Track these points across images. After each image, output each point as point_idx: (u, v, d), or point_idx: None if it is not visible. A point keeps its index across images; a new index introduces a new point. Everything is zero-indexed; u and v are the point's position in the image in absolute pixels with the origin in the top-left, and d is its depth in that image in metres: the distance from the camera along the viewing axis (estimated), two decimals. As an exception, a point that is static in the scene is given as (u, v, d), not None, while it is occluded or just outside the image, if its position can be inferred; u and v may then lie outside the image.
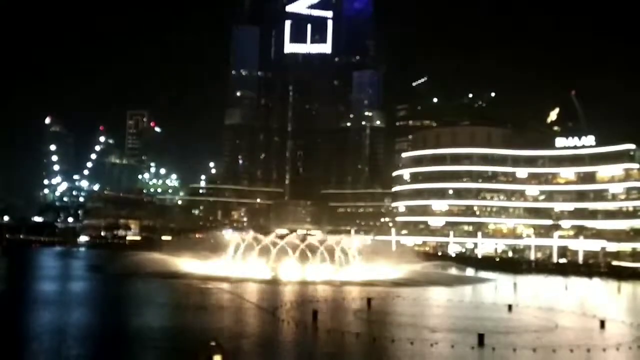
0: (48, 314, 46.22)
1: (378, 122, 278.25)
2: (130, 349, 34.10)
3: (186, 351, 30.04)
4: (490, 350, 34.85)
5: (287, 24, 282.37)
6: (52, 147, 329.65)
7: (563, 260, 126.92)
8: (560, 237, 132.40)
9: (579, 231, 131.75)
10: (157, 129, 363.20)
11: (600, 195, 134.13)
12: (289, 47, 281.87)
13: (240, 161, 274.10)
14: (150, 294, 63.83)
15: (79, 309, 50.42)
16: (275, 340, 37.18)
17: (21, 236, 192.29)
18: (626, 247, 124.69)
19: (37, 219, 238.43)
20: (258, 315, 47.40)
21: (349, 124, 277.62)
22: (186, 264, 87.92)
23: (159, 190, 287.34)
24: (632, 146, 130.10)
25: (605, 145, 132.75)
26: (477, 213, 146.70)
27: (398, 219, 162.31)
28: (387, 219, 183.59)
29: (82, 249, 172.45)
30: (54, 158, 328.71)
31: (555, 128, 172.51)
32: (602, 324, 45.33)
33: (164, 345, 35.89)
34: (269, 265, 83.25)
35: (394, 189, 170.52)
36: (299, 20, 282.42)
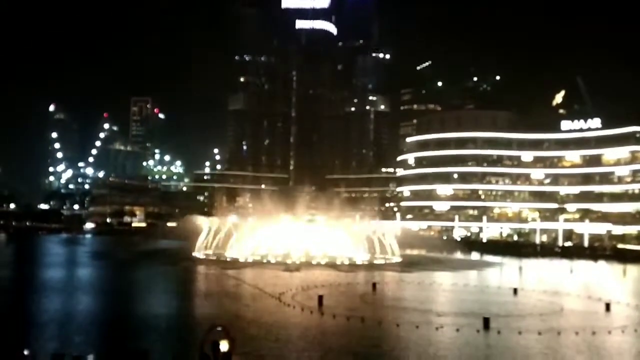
0: (53, 301, 46.49)
1: (382, 107, 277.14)
2: (135, 335, 34.24)
3: (192, 336, 30.17)
4: (496, 334, 34.89)
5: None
6: (56, 135, 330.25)
7: (568, 244, 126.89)
8: (566, 220, 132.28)
9: (585, 214, 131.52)
10: (161, 116, 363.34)
11: (606, 178, 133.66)
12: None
13: (245, 147, 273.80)
14: (156, 280, 64.17)
15: (84, 296, 50.69)
16: (280, 325, 37.30)
17: (27, 223, 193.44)
18: (632, 230, 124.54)
19: (43, 206, 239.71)
20: (264, 300, 47.53)
21: (353, 109, 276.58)
22: (191, 249, 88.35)
23: (164, 176, 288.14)
24: (638, 128, 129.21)
25: (612, 127, 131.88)
26: (482, 197, 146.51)
27: (403, 203, 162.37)
28: (391, 204, 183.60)
29: (88, 235, 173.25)
30: (59, 145, 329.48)
31: (561, 111, 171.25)
32: (608, 306, 45.30)
33: (170, 330, 36.06)
34: (273, 250, 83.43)
35: (398, 174, 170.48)
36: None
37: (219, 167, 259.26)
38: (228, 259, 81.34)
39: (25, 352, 17.46)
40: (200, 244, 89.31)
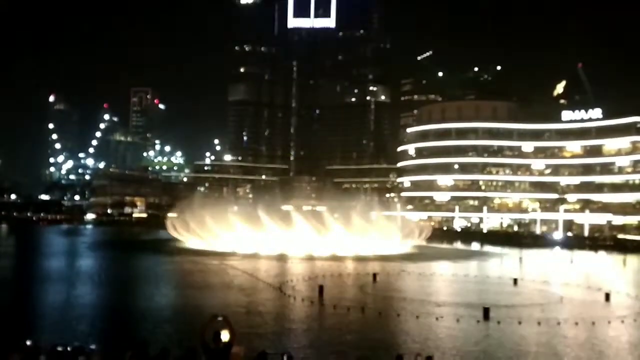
0: (54, 291, 46.61)
1: (383, 97, 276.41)
2: (136, 326, 34.34)
3: (193, 327, 30.27)
4: (496, 324, 34.99)
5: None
6: (56, 125, 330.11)
7: (569, 234, 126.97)
8: (566, 211, 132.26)
9: (585, 205, 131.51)
10: (161, 106, 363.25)
11: (606, 169, 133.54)
12: (293, 22, 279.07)
13: (245, 137, 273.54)
14: (156, 271, 64.30)
15: (84, 286, 50.79)
16: (281, 315, 37.42)
17: (28, 214, 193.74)
18: (632, 220, 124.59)
19: (44, 197, 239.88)
20: (264, 291, 47.66)
21: (353, 99, 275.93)
22: (192, 240, 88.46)
23: (164, 167, 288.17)
24: (639, 119, 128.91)
25: (613, 118, 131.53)
26: (483, 187, 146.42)
27: (403, 194, 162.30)
28: (392, 195, 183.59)
29: (89, 226, 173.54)
30: (59, 136, 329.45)
31: (562, 101, 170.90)
32: (607, 296, 45.41)
33: (171, 321, 36.17)
34: (275, 241, 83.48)
35: (399, 164, 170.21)
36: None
37: (219, 157, 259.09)
38: (228, 250, 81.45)
39: (27, 343, 17.49)
40: (199, 235, 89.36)
